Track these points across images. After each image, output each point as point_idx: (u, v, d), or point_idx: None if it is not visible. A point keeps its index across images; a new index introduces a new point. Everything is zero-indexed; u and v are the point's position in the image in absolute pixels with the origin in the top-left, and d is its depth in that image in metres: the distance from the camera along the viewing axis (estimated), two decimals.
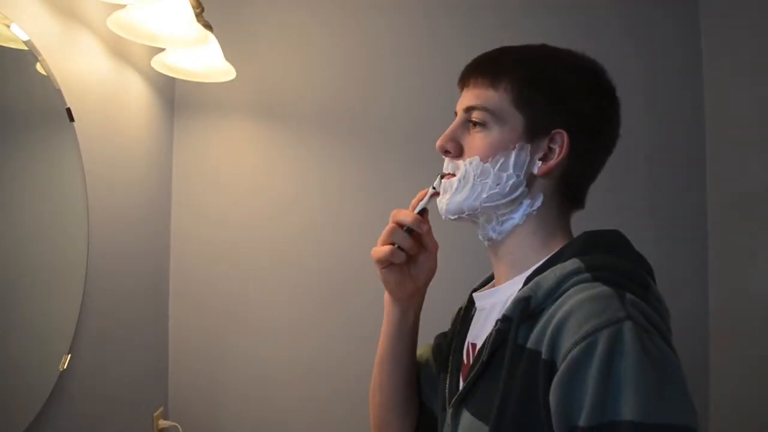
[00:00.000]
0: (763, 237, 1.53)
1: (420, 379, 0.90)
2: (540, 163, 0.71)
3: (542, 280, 0.65)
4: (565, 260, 0.67)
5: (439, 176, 0.78)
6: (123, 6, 1.08)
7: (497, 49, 0.77)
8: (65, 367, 1.06)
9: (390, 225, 0.80)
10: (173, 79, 1.53)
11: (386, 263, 0.81)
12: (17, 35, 0.92)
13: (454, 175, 0.75)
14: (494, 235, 0.75)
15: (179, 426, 1.55)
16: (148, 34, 1.14)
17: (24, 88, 0.98)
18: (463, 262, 1.38)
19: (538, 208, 0.73)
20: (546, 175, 0.72)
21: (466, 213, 0.74)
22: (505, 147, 0.71)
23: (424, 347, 0.92)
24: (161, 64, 1.34)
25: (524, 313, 0.64)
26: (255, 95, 1.69)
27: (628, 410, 0.53)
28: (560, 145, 0.71)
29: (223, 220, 1.68)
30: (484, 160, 0.72)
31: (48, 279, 1.05)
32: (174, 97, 1.68)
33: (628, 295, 0.61)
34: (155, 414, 1.54)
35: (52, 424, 1.03)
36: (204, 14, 1.29)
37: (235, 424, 1.65)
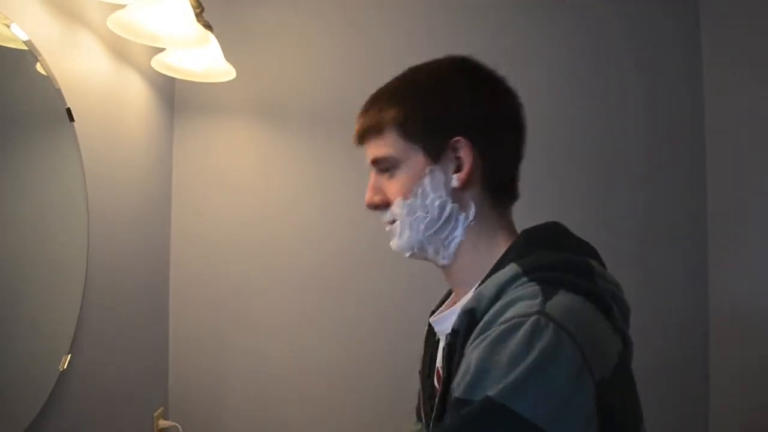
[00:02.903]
0: (764, 238, 1.53)
1: None
2: (455, 176, 0.72)
3: (484, 289, 0.66)
4: (506, 265, 0.67)
5: None
6: (123, 6, 1.07)
7: (368, 100, 0.79)
8: (65, 366, 1.06)
9: None
10: (173, 79, 1.53)
11: None
12: (17, 35, 0.92)
13: (394, 221, 0.76)
14: (445, 262, 0.76)
15: (179, 426, 1.55)
16: (148, 34, 1.14)
17: (24, 88, 0.98)
18: None
19: (475, 217, 0.73)
20: (467, 184, 0.72)
21: (416, 248, 0.75)
22: (417, 178, 0.73)
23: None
24: (161, 64, 1.34)
25: (471, 324, 0.64)
26: (255, 95, 1.69)
27: (490, 387, 0.55)
28: (465, 151, 0.71)
29: (222, 219, 1.68)
30: (405, 198, 0.74)
31: (48, 279, 1.05)
32: (174, 97, 1.68)
33: (559, 296, 0.61)
34: (155, 414, 1.54)
35: (52, 424, 1.02)
36: (204, 14, 1.29)
37: (236, 424, 1.65)
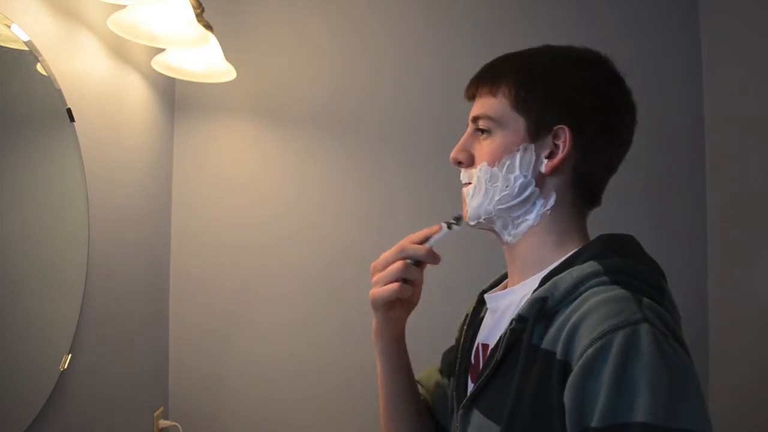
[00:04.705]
0: (762, 236, 1.53)
1: (434, 402, 0.89)
2: (546, 161, 0.71)
3: (559, 281, 0.65)
4: (583, 262, 0.67)
5: (453, 217, 0.78)
6: (123, 6, 1.08)
7: (498, 57, 0.78)
8: (66, 366, 1.06)
9: (401, 262, 0.78)
10: (173, 79, 1.54)
11: (391, 303, 0.81)
12: (18, 36, 0.92)
13: (470, 183, 0.76)
14: (510, 239, 0.75)
15: (179, 426, 1.55)
16: (149, 35, 1.14)
17: (25, 89, 0.98)
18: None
19: (552, 207, 0.73)
20: (554, 172, 0.72)
21: (483, 218, 0.75)
22: (509, 150, 0.72)
23: (428, 371, 0.92)
24: (162, 64, 1.34)
25: (540, 313, 0.64)
26: (255, 96, 1.69)
27: (641, 412, 0.53)
28: (563, 140, 0.71)
29: (223, 219, 1.68)
30: (491, 164, 0.73)
31: (49, 279, 1.05)
32: (174, 97, 1.68)
33: (645, 299, 0.61)
34: (155, 414, 1.54)
35: (52, 424, 1.03)
36: (204, 14, 1.29)
37: (236, 424, 1.65)
